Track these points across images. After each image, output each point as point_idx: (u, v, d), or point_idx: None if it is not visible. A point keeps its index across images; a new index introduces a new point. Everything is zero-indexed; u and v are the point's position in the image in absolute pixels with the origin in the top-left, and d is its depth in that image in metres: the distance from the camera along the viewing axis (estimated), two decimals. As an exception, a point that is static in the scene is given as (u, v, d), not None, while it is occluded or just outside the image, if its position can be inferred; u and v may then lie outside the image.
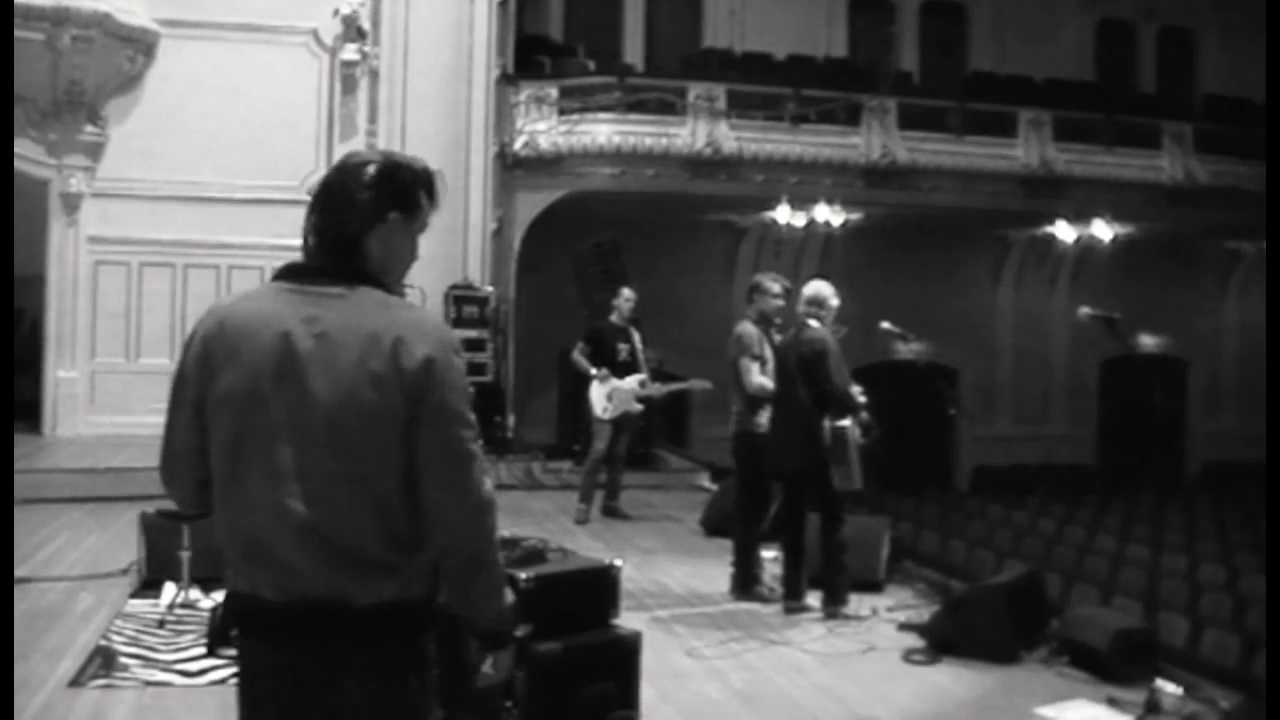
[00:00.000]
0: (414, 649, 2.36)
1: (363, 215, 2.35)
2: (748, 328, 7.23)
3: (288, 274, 2.38)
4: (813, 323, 6.82)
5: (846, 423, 6.66)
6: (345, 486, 2.28)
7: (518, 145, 15.36)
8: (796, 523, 6.88)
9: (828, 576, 6.73)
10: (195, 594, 6.56)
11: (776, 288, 7.36)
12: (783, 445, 6.79)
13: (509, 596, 2.51)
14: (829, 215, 16.96)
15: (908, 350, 14.29)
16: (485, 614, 2.45)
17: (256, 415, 2.31)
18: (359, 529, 2.28)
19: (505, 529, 5.40)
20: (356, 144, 14.74)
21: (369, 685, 2.30)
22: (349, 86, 14.74)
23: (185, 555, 6.54)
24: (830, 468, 6.61)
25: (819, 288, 6.94)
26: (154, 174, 14.05)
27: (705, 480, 11.96)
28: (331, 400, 2.26)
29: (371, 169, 2.37)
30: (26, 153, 13.68)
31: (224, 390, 2.35)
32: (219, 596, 6.12)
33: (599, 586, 4.46)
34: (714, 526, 9.12)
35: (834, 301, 6.90)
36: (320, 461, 2.28)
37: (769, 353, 7.21)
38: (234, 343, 2.34)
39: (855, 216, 17.29)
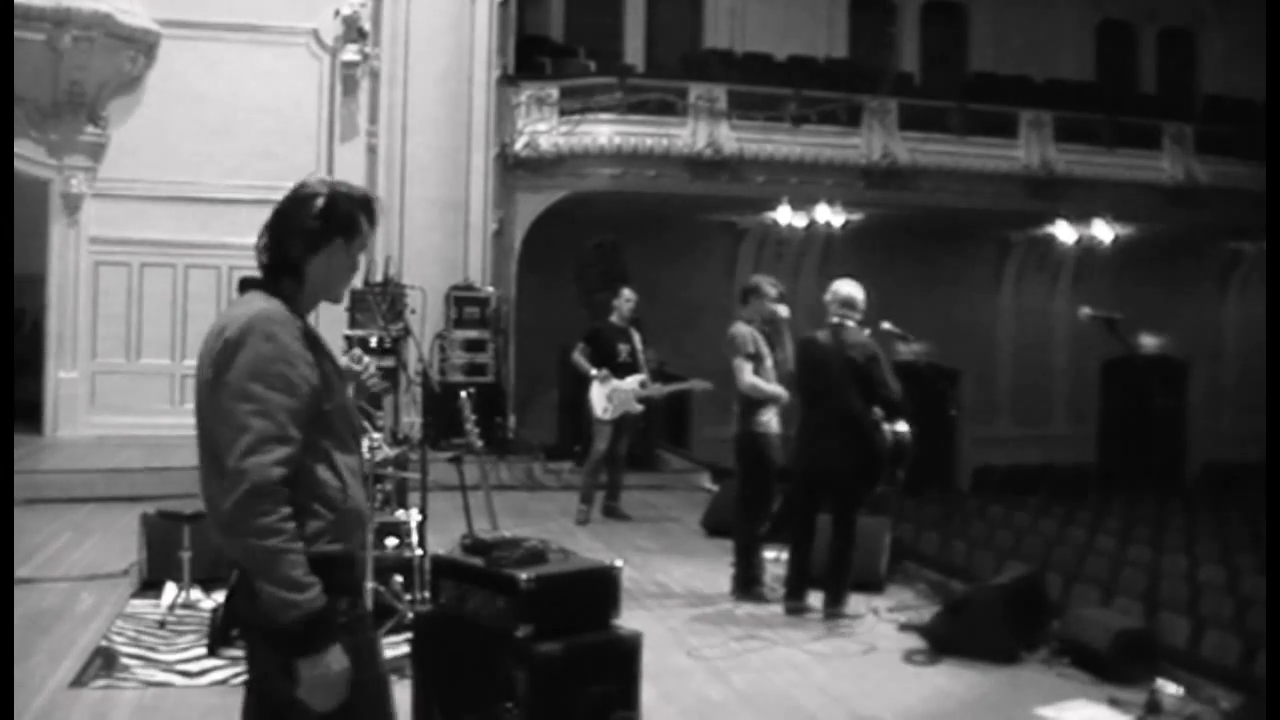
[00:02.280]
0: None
1: (307, 241, 2.71)
2: (741, 328, 7.23)
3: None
4: (850, 324, 6.81)
5: (905, 427, 6.66)
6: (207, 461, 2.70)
7: (518, 146, 15.36)
8: (808, 523, 6.87)
9: (833, 577, 6.74)
10: (196, 594, 6.57)
11: (774, 290, 7.36)
12: (825, 446, 6.68)
13: (290, 593, 2.50)
14: (830, 216, 16.96)
15: (909, 351, 14.27)
16: (264, 603, 2.56)
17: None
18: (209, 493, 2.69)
19: (506, 529, 5.42)
20: (357, 144, 14.78)
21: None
22: (350, 87, 14.75)
23: (185, 556, 6.54)
24: (878, 471, 6.63)
25: (851, 289, 6.89)
26: (154, 174, 14.06)
27: (706, 481, 11.96)
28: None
29: (320, 201, 2.72)
30: (27, 153, 13.69)
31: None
32: (219, 597, 6.12)
33: (600, 587, 4.46)
34: (715, 527, 9.12)
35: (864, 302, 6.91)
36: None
37: (766, 351, 7.21)
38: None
39: (856, 217, 17.29)
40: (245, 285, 2.79)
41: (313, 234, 2.70)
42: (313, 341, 2.71)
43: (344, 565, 2.69)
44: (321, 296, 2.79)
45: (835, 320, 6.85)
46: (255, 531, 2.51)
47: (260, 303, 2.67)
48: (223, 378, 2.59)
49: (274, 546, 2.50)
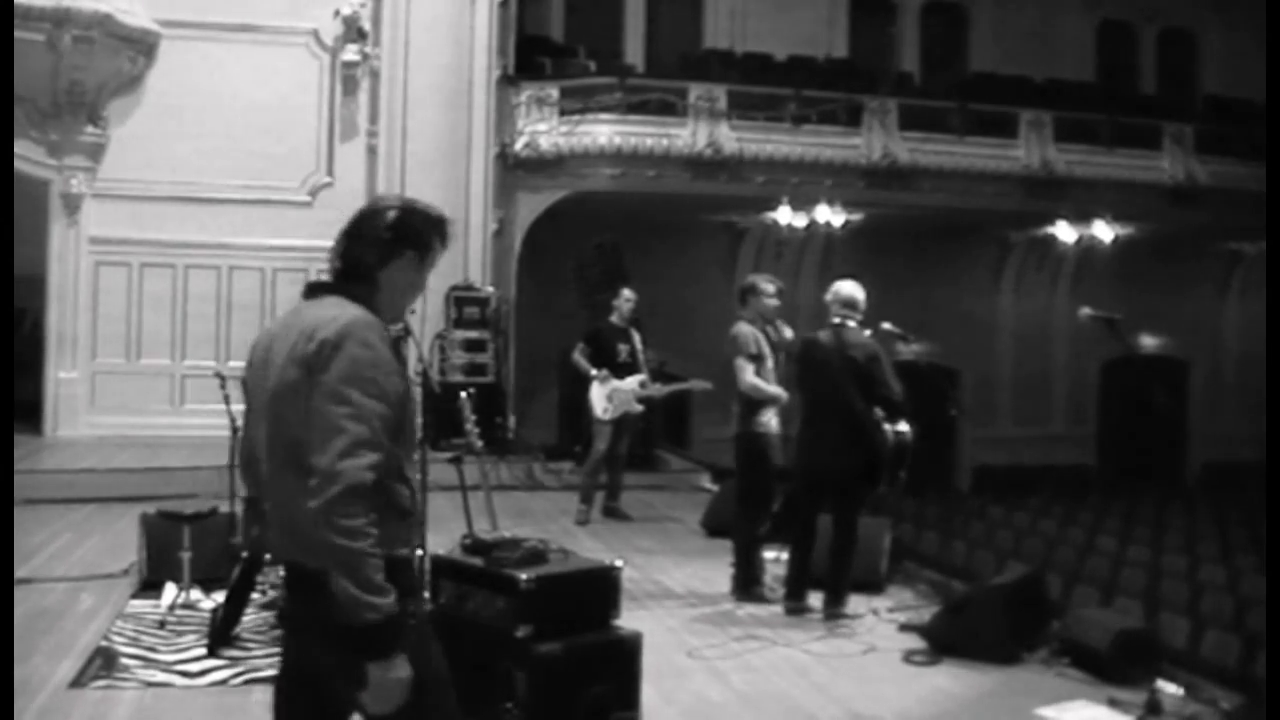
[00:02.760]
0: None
1: (380, 252, 2.81)
2: (743, 328, 7.22)
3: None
4: (851, 324, 6.81)
5: (906, 427, 6.67)
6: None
7: (518, 146, 15.36)
8: (809, 524, 6.87)
9: (833, 578, 6.74)
10: (196, 595, 6.56)
11: (771, 288, 7.35)
12: (827, 448, 6.69)
13: (371, 596, 2.55)
14: (830, 216, 16.96)
15: (908, 351, 14.22)
16: (343, 604, 2.58)
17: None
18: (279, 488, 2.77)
19: (506, 529, 5.42)
20: (357, 145, 14.77)
21: None
22: (350, 87, 14.75)
23: (185, 556, 6.55)
24: (879, 471, 6.63)
25: (853, 289, 6.89)
26: (154, 175, 14.06)
27: (706, 481, 11.96)
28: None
29: (392, 214, 2.84)
30: (27, 153, 13.70)
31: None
32: (219, 597, 6.13)
33: (600, 587, 4.46)
34: (714, 527, 9.11)
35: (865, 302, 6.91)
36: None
37: (768, 351, 7.21)
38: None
39: (856, 217, 17.28)
40: (316, 289, 2.86)
41: (385, 244, 2.81)
42: (396, 350, 2.80)
43: (408, 569, 2.82)
44: (388, 311, 2.85)
45: (836, 320, 6.85)
46: (346, 533, 2.56)
47: (351, 308, 2.74)
48: (317, 378, 2.64)
49: (360, 549, 2.56)
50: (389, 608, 2.57)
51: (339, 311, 2.72)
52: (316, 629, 2.69)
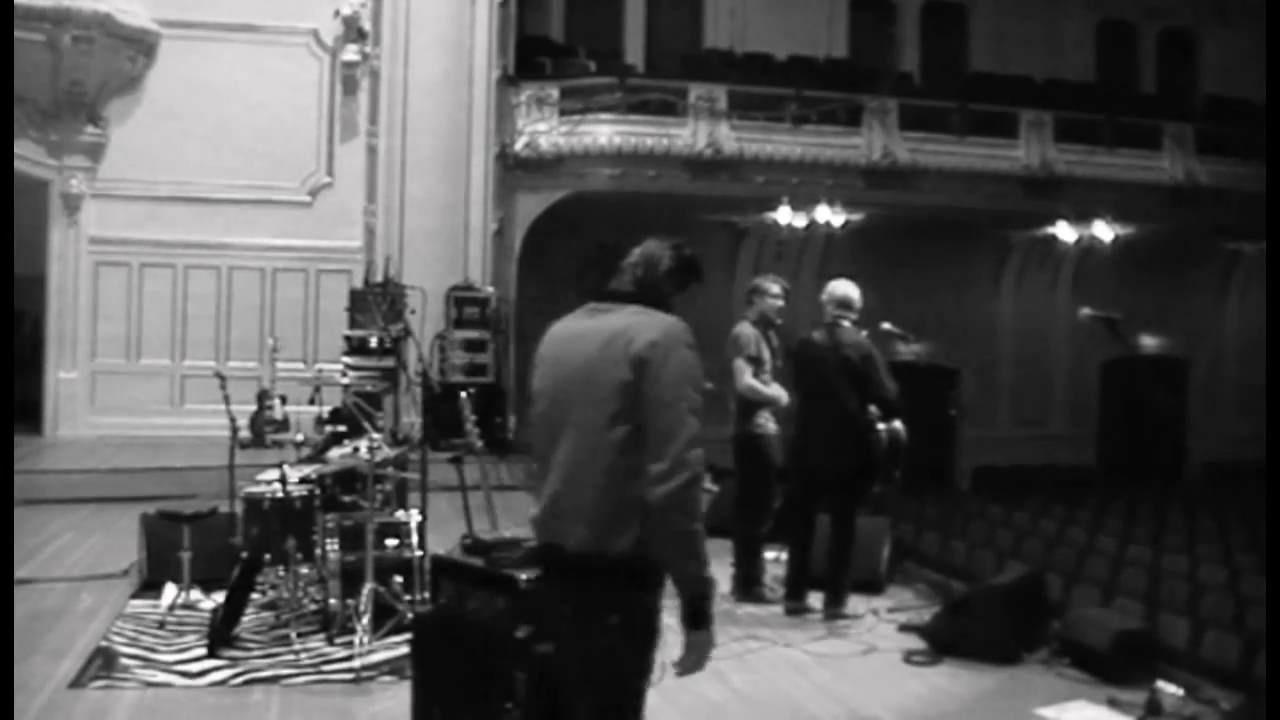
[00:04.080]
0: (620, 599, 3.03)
1: (673, 281, 3.25)
2: (745, 329, 7.21)
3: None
4: (845, 324, 6.82)
5: (900, 426, 6.67)
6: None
7: (518, 146, 15.35)
8: (807, 524, 6.87)
9: (833, 577, 6.73)
10: (195, 595, 6.57)
11: (775, 288, 7.33)
12: (823, 447, 6.70)
13: (706, 572, 2.96)
14: (830, 216, 16.94)
15: (909, 351, 14.28)
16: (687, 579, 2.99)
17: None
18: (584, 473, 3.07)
19: (506, 529, 5.41)
20: (357, 145, 14.78)
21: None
22: (350, 87, 14.76)
23: (185, 556, 6.55)
24: (875, 470, 6.64)
25: (847, 289, 6.90)
26: (154, 175, 14.07)
27: (706, 481, 11.93)
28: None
29: (668, 258, 3.27)
30: (27, 153, 13.70)
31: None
32: (219, 597, 6.13)
33: (599, 587, 4.45)
34: (714, 527, 9.08)
35: (860, 302, 6.91)
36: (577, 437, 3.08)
37: (768, 354, 7.20)
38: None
39: (856, 217, 17.27)
40: (608, 296, 3.21)
41: (666, 276, 3.23)
42: None
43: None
44: None
45: (831, 320, 6.85)
46: (692, 515, 2.93)
47: (660, 315, 3.09)
48: (654, 376, 2.95)
49: (700, 530, 2.94)
50: (715, 583, 3.00)
51: (650, 319, 3.06)
52: (580, 613, 3.01)
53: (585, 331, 3.13)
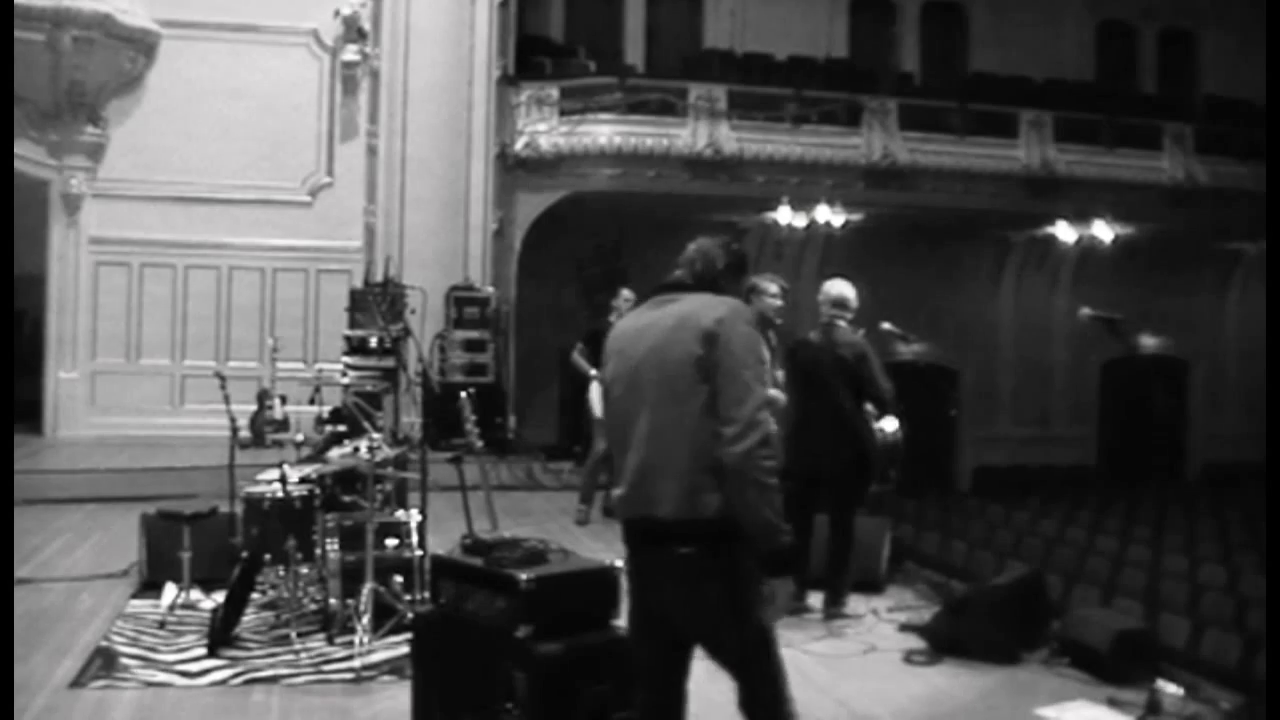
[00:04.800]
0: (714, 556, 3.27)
1: (722, 275, 3.58)
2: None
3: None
4: (841, 323, 6.82)
5: (896, 425, 6.67)
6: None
7: (518, 146, 15.35)
8: (805, 524, 6.86)
9: (832, 578, 6.73)
10: (195, 595, 6.57)
11: (774, 288, 7.31)
12: (818, 446, 6.70)
13: (781, 522, 3.22)
14: (830, 216, 16.95)
15: (909, 351, 14.29)
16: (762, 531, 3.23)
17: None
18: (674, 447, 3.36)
19: (506, 529, 5.41)
20: (357, 145, 14.78)
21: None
22: (350, 87, 14.76)
23: (185, 556, 6.55)
24: (871, 469, 6.63)
25: (843, 288, 6.90)
26: (154, 175, 14.07)
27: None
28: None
29: (722, 255, 3.60)
30: (27, 153, 13.70)
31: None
32: (219, 597, 6.13)
33: (600, 587, 4.45)
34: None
35: (856, 301, 6.91)
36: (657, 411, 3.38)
37: (767, 354, 7.18)
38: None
39: (856, 217, 17.27)
40: (675, 287, 3.55)
41: (721, 271, 3.56)
42: None
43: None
44: None
45: (827, 320, 6.85)
46: (765, 471, 3.19)
47: (723, 299, 3.42)
48: (725, 348, 3.27)
49: (774, 485, 3.20)
50: (790, 534, 3.22)
51: (714, 300, 3.41)
52: (680, 574, 3.29)
53: (653, 320, 3.45)
